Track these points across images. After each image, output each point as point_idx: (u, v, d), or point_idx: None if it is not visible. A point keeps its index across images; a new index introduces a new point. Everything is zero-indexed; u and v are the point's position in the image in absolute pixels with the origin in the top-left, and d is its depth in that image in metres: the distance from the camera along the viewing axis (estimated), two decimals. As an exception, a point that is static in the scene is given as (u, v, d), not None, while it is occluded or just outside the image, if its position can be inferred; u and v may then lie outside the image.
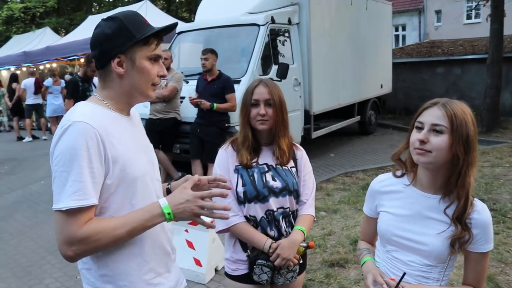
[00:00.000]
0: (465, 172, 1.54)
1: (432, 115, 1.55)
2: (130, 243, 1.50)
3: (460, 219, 1.56)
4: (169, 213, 1.46)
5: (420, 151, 1.54)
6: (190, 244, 4.05)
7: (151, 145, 1.72)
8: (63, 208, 1.35)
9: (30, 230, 5.46)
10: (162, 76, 1.61)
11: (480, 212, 1.59)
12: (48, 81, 11.42)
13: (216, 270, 4.12)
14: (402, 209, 1.69)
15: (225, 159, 2.17)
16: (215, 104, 5.73)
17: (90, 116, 1.42)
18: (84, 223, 1.38)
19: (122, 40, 1.50)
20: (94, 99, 1.56)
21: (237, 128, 6.28)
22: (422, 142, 1.54)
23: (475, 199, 1.62)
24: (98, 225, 1.40)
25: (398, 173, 1.76)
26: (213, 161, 6.38)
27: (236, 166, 2.15)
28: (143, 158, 1.58)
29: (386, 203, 1.75)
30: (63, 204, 1.35)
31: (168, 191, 1.78)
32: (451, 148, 1.52)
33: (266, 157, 2.17)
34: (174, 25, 1.64)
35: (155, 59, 1.57)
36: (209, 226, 1.58)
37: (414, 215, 1.66)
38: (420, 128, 1.57)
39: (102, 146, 1.40)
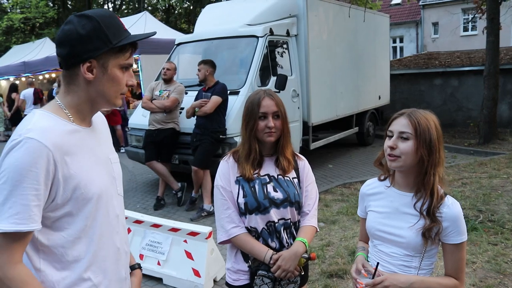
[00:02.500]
0: (430, 171, 1.75)
1: (399, 124, 1.78)
2: (80, 266, 1.42)
3: (428, 212, 1.76)
4: None
5: (391, 157, 1.78)
6: (189, 255, 4.05)
7: (115, 156, 1.62)
8: None
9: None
10: (130, 86, 1.53)
11: (450, 206, 1.77)
12: (54, 91, 11.44)
13: (214, 281, 4.11)
14: (384, 207, 1.91)
15: (227, 170, 2.15)
16: (196, 109, 5.88)
17: (46, 133, 1.31)
18: (18, 253, 1.28)
19: (97, 45, 1.39)
20: (55, 107, 1.44)
21: (235, 139, 6.33)
22: (392, 148, 1.77)
23: (447, 196, 1.81)
24: (28, 278, 1.29)
25: (382, 177, 1.99)
26: (197, 164, 6.37)
27: (237, 177, 2.12)
28: (102, 175, 1.49)
29: (372, 203, 1.98)
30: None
31: (133, 268, 1.74)
32: (416, 152, 1.74)
33: (268, 168, 2.16)
34: (152, 34, 1.57)
35: (126, 67, 1.48)
36: None
37: (393, 212, 1.87)
38: (390, 137, 1.80)
39: (54, 167, 1.31)
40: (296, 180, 2.20)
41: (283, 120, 2.13)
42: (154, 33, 1.59)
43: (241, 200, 2.09)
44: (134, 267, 1.76)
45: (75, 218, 1.39)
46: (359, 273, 1.85)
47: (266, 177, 2.14)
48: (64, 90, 1.45)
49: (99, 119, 1.63)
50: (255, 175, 2.12)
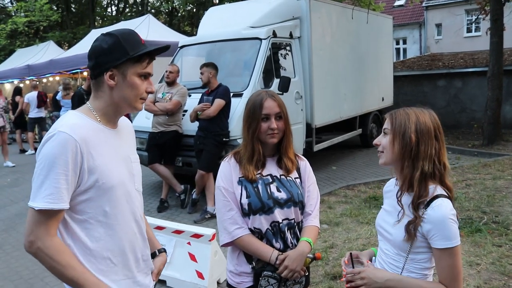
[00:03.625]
0: (406, 163, 1.77)
1: (385, 123, 1.88)
2: (101, 246, 1.64)
3: (413, 205, 1.75)
4: None
5: (378, 153, 1.87)
6: (192, 257, 4.05)
7: (135, 157, 1.83)
8: (35, 207, 1.51)
9: (32, 243, 5.45)
10: (150, 93, 1.74)
11: (434, 208, 1.71)
12: (59, 95, 11.45)
13: (218, 283, 4.11)
14: (388, 205, 1.94)
15: (228, 171, 2.14)
16: (199, 113, 5.91)
17: (74, 128, 1.56)
18: (53, 228, 1.54)
19: (116, 56, 1.63)
20: (86, 109, 1.69)
21: (239, 141, 6.32)
22: (376, 145, 1.87)
23: (439, 197, 1.73)
24: (62, 249, 1.55)
25: None
26: (204, 168, 6.36)
27: (239, 177, 2.11)
28: (122, 169, 1.70)
29: (385, 201, 2.02)
30: (36, 204, 1.50)
31: (158, 251, 1.99)
32: (393, 145, 1.79)
33: (270, 168, 2.15)
34: (167, 47, 1.73)
35: (145, 76, 1.70)
36: None
37: (392, 209, 1.89)
38: None
39: (81, 157, 1.54)
40: (298, 180, 2.19)
41: (286, 121, 2.13)
42: (168, 47, 1.75)
43: (245, 200, 2.07)
44: (160, 251, 2.00)
45: (95, 203, 1.61)
46: (348, 265, 1.90)
47: (269, 177, 2.13)
48: (93, 95, 1.71)
49: (126, 124, 1.87)
50: (258, 175, 2.11)
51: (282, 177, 2.15)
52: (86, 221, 1.61)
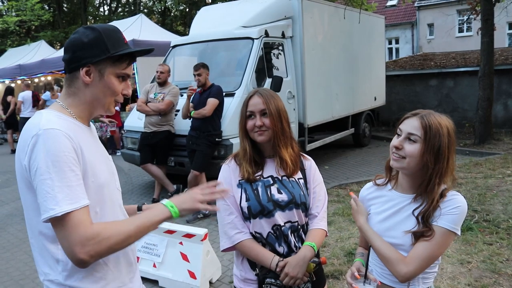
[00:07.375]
0: (434, 180, 1.68)
1: (409, 125, 1.71)
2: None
3: (424, 219, 1.70)
4: (172, 206, 1.57)
5: (395, 156, 1.73)
6: (184, 257, 4.05)
7: (109, 156, 1.73)
8: (58, 213, 1.32)
9: (23, 243, 5.42)
10: (125, 95, 1.64)
11: (453, 199, 1.69)
12: (46, 95, 11.38)
13: (210, 283, 4.11)
14: (385, 211, 1.86)
15: (228, 174, 2.09)
16: (192, 112, 5.89)
17: (59, 123, 1.43)
18: (88, 222, 1.37)
19: (96, 52, 1.53)
20: (57, 106, 1.56)
21: (231, 141, 6.33)
22: (397, 148, 1.71)
23: (450, 192, 1.72)
24: (106, 224, 1.43)
25: (379, 181, 1.95)
26: (197, 169, 6.35)
27: (239, 180, 2.05)
28: (104, 167, 1.59)
29: (373, 207, 1.92)
30: (58, 210, 1.32)
31: (139, 209, 1.89)
32: (422, 157, 1.67)
33: (270, 170, 2.08)
34: (150, 50, 1.65)
35: (123, 77, 1.61)
36: (213, 209, 1.69)
37: (393, 215, 1.82)
38: (399, 135, 1.74)
39: (74, 152, 1.41)
40: (302, 181, 2.10)
41: (274, 118, 2.04)
42: (152, 50, 1.68)
43: (244, 204, 2.01)
44: (139, 208, 1.89)
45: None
46: (354, 278, 1.80)
47: (270, 178, 2.06)
48: (66, 92, 1.59)
49: (92, 125, 1.73)
50: (258, 177, 2.05)
51: (284, 178, 2.06)
52: None
